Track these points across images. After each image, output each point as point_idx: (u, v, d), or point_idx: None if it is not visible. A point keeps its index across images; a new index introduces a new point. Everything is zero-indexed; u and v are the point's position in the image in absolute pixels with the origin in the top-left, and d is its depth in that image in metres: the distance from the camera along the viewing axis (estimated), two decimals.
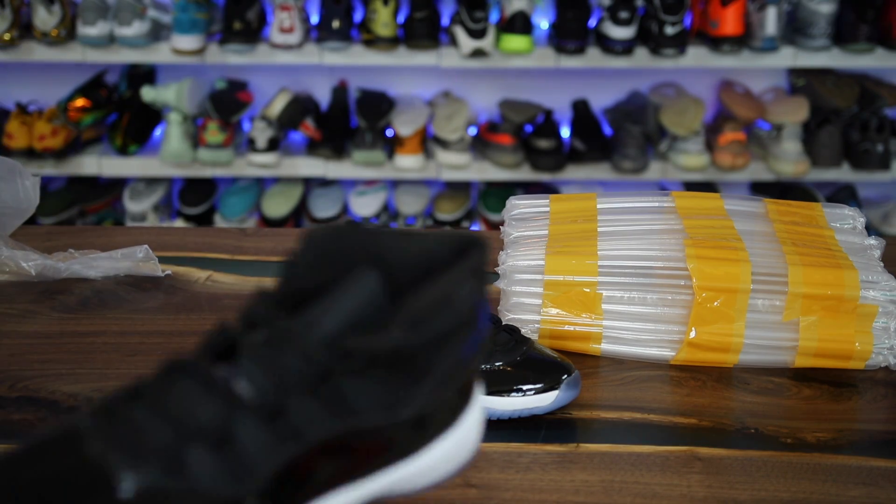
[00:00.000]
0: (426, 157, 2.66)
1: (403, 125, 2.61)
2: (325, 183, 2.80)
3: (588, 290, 1.04)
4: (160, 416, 0.43)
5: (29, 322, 1.11)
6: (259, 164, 2.62)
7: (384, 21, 2.53)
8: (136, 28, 2.52)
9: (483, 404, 0.91)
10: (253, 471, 0.43)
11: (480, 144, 2.68)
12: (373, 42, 2.55)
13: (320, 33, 2.58)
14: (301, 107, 2.67)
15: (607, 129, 2.71)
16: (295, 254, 0.49)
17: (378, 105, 2.67)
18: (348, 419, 0.48)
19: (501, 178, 2.67)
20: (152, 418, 0.43)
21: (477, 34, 2.50)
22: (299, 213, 2.78)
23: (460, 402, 0.61)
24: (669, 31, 2.52)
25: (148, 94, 2.60)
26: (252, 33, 2.56)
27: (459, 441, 0.62)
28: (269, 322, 0.47)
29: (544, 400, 0.91)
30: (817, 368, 1.02)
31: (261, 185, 2.81)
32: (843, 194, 2.77)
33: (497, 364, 0.92)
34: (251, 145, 2.64)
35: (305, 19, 2.60)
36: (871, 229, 1.12)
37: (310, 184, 2.81)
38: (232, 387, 0.44)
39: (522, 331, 1.00)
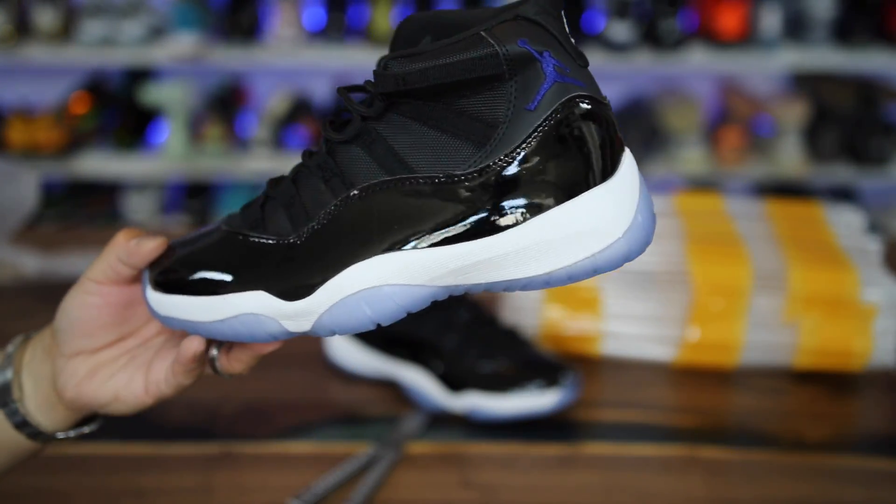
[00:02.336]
0: None
1: None
2: None
3: (588, 291, 1.04)
4: (264, 194, 0.57)
5: (29, 322, 1.11)
6: (259, 164, 2.62)
7: (384, 21, 2.53)
8: (136, 28, 2.52)
9: (483, 404, 0.92)
10: (309, 217, 0.53)
11: None
12: (373, 42, 2.55)
13: (320, 33, 2.59)
14: (301, 107, 2.67)
15: None
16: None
17: None
18: (396, 169, 0.51)
19: None
20: (260, 196, 0.57)
21: None
22: None
23: (589, 163, 0.50)
24: (670, 31, 2.52)
25: (147, 94, 2.60)
26: (252, 33, 2.56)
27: (583, 214, 0.50)
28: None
29: (544, 401, 0.91)
30: (817, 368, 1.02)
31: (260, 185, 2.81)
32: (843, 194, 2.77)
33: (497, 364, 0.93)
34: (251, 145, 2.64)
35: (305, 19, 2.60)
36: (871, 229, 1.12)
37: None
38: (307, 158, 0.55)
39: (522, 331, 1.00)
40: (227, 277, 0.55)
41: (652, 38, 2.55)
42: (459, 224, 0.51)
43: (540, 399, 0.91)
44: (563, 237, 0.50)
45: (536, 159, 0.50)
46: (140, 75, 2.75)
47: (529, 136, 0.50)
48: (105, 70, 2.74)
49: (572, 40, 0.51)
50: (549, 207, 0.50)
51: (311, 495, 0.81)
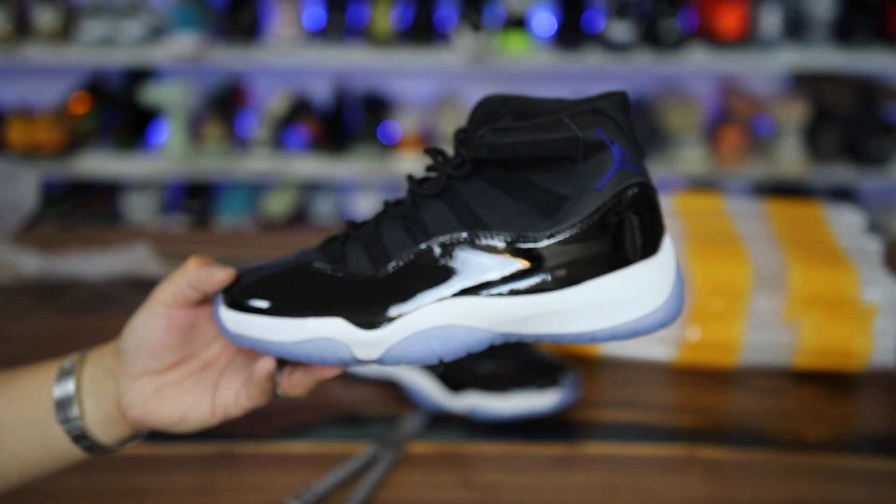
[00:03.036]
0: (426, 157, 2.66)
1: (403, 125, 2.61)
2: (324, 183, 2.80)
3: None
4: (346, 234, 0.64)
5: (29, 322, 1.11)
6: (259, 164, 2.62)
7: (384, 21, 2.53)
8: (135, 28, 2.52)
9: (483, 404, 0.92)
10: (389, 258, 0.60)
11: None
12: (373, 42, 2.55)
13: (320, 33, 2.59)
14: (301, 107, 2.67)
15: None
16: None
17: (378, 105, 2.68)
18: (474, 225, 0.59)
19: None
20: (342, 237, 0.64)
21: (477, 34, 2.50)
22: (299, 212, 2.78)
23: (639, 241, 0.58)
24: (670, 31, 2.52)
25: (147, 94, 2.60)
26: (251, 33, 2.56)
27: (630, 283, 0.58)
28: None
29: (544, 401, 0.91)
30: (817, 368, 1.02)
31: (260, 185, 2.81)
32: (843, 194, 2.77)
33: (497, 365, 0.93)
34: (251, 145, 2.64)
35: (305, 19, 2.60)
36: (871, 229, 1.12)
37: (309, 184, 2.81)
38: (392, 206, 0.63)
39: None
40: (307, 303, 0.60)
41: (652, 38, 2.55)
42: (527, 280, 0.58)
43: (540, 399, 0.91)
44: (611, 301, 0.58)
45: (597, 231, 0.58)
46: (140, 75, 2.75)
47: (595, 212, 0.58)
48: (105, 70, 2.74)
49: (636, 135, 0.60)
50: (603, 273, 0.58)
51: (311, 495, 0.81)
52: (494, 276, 0.58)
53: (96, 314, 1.13)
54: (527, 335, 0.59)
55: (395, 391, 0.97)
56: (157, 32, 2.60)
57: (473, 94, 2.75)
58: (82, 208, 2.73)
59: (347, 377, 1.00)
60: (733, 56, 2.56)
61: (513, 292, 0.58)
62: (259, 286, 0.62)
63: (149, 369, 0.63)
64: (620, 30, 2.52)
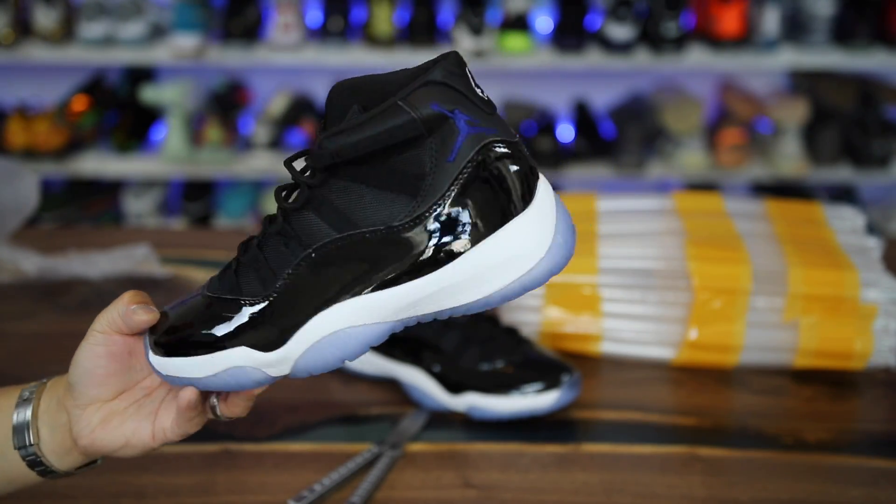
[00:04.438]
0: None
1: None
2: None
3: (588, 291, 1.04)
4: (236, 259, 0.64)
5: (29, 322, 1.11)
6: (259, 164, 2.62)
7: (384, 21, 2.53)
8: (136, 28, 2.52)
9: (483, 403, 0.92)
10: (276, 277, 0.61)
11: None
12: (373, 42, 2.55)
13: (320, 33, 2.59)
14: (301, 107, 2.67)
15: (607, 129, 2.71)
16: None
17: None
18: (344, 227, 0.59)
19: None
20: (232, 262, 0.64)
21: (477, 34, 2.50)
22: None
23: (506, 199, 0.59)
24: (670, 31, 2.52)
25: (147, 94, 2.60)
26: (252, 33, 2.56)
27: (508, 243, 0.58)
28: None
29: (544, 400, 0.91)
30: (817, 368, 1.02)
31: (260, 185, 2.81)
32: (843, 194, 2.77)
33: (497, 364, 0.93)
34: (251, 145, 2.64)
35: (305, 19, 2.60)
36: (871, 229, 1.12)
37: None
38: (268, 224, 0.63)
39: (522, 331, 1.00)
40: (213, 337, 0.62)
41: (651, 37, 2.55)
42: (403, 266, 0.59)
43: (540, 399, 0.91)
44: (493, 265, 0.59)
45: (461, 201, 0.58)
46: (140, 75, 2.74)
47: (452, 183, 0.58)
48: (105, 70, 2.74)
49: (479, 92, 0.59)
50: (478, 241, 0.58)
51: (312, 495, 0.81)
52: (374, 271, 0.59)
53: (96, 314, 1.13)
54: (422, 315, 0.60)
55: (395, 391, 0.97)
56: (157, 32, 2.60)
57: None
58: (82, 208, 2.73)
59: (347, 377, 1.00)
60: (733, 56, 2.56)
61: (395, 281, 0.59)
62: (171, 328, 0.64)
63: (95, 399, 0.65)
64: (620, 29, 2.52)
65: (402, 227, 0.58)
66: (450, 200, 0.58)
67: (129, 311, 0.64)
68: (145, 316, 0.64)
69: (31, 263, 1.18)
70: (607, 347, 1.04)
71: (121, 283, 1.19)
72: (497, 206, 0.58)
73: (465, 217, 0.58)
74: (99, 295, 1.17)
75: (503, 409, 0.91)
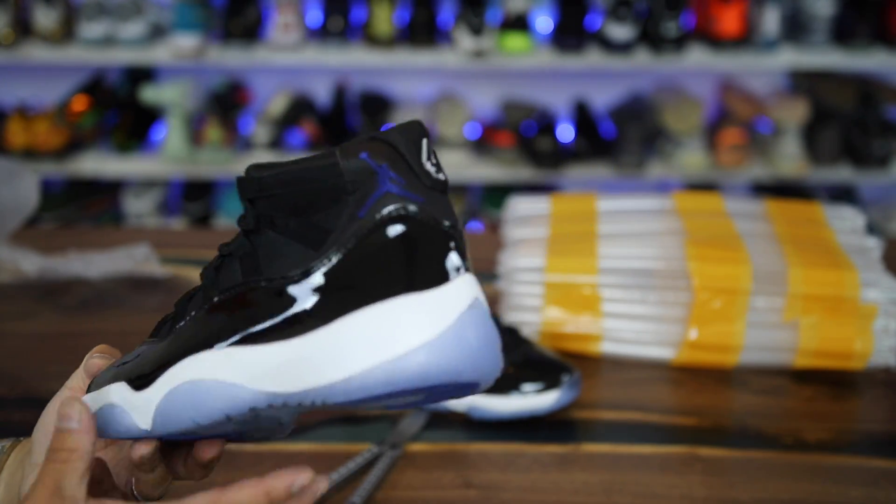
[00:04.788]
0: None
1: None
2: None
3: (588, 291, 1.04)
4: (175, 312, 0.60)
5: (29, 322, 1.11)
6: None
7: (384, 21, 2.53)
8: (136, 28, 2.52)
9: (483, 403, 0.92)
10: (183, 318, 0.58)
11: (480, 144, 2.68)
12: (373, 42, 2.55)
13: (320, 33, 2.59)
14: (301, 107, 2.67)
15: (607, 129, 2.71)
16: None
17: (378, 105, 2.68)
18: (250, 275, 0.55)
19: (501, 178, 2.67)
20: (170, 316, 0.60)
21: (477, 34, 2.50)
22: None
23: (403, 272, 0.51)
24: (670, 31, 2.52)
25: (148, 94, 2.60)
26: (252, 33, 2.56)
27: (385, 319, 0.50)
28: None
29: (544, 400, 0.91)
30: (817, 368, 1.02)
31: None
32: (843, 194, 2.77)
33: None
34: (251, 145, 2.64)
35: (305, 19, 2.60)
36: (871, 229, 1.12)
37: None
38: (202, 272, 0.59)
39: (522, 331, 1.00)
40: (111, 371, 0.60)
41: (651, 37, 2.55)
42: (276, 322, 0.53)
43: (540, 399, 0.91)
44: (360, 339, 0.50)
45: (352, 262, 0.52)
46: (140, 75, 2.75)
47: (350, 240, 0.52)
48: (105, 70, 2.74)
49: (429, 165, 0.53)
50: (354, 309, 0.51)
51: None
52: (251, 323, 0.54)
53: (96, 314, 1.13)
54: (289, 395, 0.52)
55: None
56: (157, 32, 2.60)
57: (473, 94, 2.76)
58: (82, 208, 2.73)
59: None
60: (733, 56, 2.56)
61: (263, 338, 0.53)
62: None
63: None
64: (620, 29, 2.52)
65: (291, 280, 0.53)
66: (340, 258, 0.52)
67: (88, 358, 0.61)
68: (100, 361, 0.61)
69: (31, 263, 1.18)
70: (607, 347, 1.04)
71: (121, 283, 1.19)
72: (387, 276, 0.51)
73: (349, 279, 0.51)
74: (99, 295, 1.17)
75: (503, 409, 0.92)
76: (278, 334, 0.53)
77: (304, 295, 0.52)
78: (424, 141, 0.54)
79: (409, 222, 0.51)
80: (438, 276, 0.51)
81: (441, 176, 0.54)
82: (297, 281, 0.53)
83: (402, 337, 0.49)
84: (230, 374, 0.53)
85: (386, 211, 0.51)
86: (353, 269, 0.52)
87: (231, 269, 0.57)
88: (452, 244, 0.52)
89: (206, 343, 0.55)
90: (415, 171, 0.53)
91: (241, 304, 0.55)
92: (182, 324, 0.57)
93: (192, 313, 0.57)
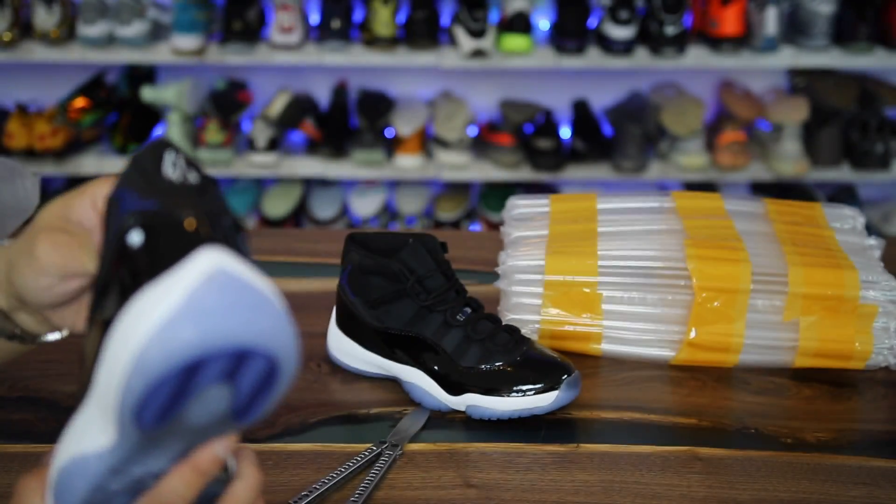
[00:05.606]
0: (426, 157, 2.66)
1: (403, 125, 2.61)
2: (324, 183, 2.80)
3: (588, 290, 1.04)
4: None
5: None
6: (259, 164, 2.62)
7: (384, 21, 2.53)
8: (136, 28, 2.52)
9: (483, 403, 0.92)
10: None
11: (480, 144, 2.68)
12: (373, 42, 2.55)
13: (320, 33, 2.58)
14: (301, 107, 2.67)
15: (607, 129, 2.71)
16: None
17: (378, 105, 2.67)
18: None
19: (501, 178, 2.67)
20: None
21: (477, 34, 2.50)
22: (299, 213, 2.78)
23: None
24: (669, 31, 2.52)
25: (148, 94, 2.60)
26: (252, 33, 2.56)
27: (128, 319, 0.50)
28: None
29: (544, 400, 0.91)
30: (817, 368, 1.02)
31: (260, 185, 2.81)
32: (843, 194, 2.77)
33: (497, 364, 0.92)
34: (251, 145, 2.64)
35: (305, 19, 2.60)
36: (871, 229, 1.12)
37: (310, 184, 2.81)
38: None
39: (522, 331, 1.00)
40: None
41: (651, 37, 2.55)
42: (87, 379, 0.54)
43: (539, 399, 0.91)
44: (117, 342, 0.50)
45: (106, 287, 0.54)
46: (140, 75, 2.74)
47: (101, 267, 0.56)
48: (105, 70, 2.74)
49: (171, 171, 0.56)
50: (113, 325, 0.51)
51: (312, 495, 0.81)
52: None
53: None
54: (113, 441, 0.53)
55: (395, 391, 0.97)
56: (157, 32, 2.59)
57: (473, 94, 2.76)
58: None
59: (348, 377, 1.00)
60: (733, 56, 2.56)
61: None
62: None
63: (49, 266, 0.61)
64: (620, 29, 2.52)
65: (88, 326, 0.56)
66: (99, 289, 0.55)
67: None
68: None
69: None
70: (607, 347, 1.04)
71: None
72: (136, 277, 0.52)
73: (108, 302, 0.54)
74: None
75: (503, 409, 0.91)
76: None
77: (92, 333, 0.55)
78: (167, 152, 0.57)
79: (144, 224, 0.53)
80: (173, 261, 0.51)
81: (191, 179, 0.57)
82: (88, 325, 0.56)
83: (147, 320, 0.49)
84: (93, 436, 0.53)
85: (114, 231, 0.55)
86: (109, 286, 0.54)
87: None
88: (191, 229, 0.53)
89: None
90: (154, 184, 0.55)
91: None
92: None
93: None
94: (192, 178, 0.56)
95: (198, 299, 0.49)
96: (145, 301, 0.50)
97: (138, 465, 0.53)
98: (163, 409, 0.50)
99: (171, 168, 0.56)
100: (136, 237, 0.53)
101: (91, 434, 0.53)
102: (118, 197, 0.55)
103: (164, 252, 0.52)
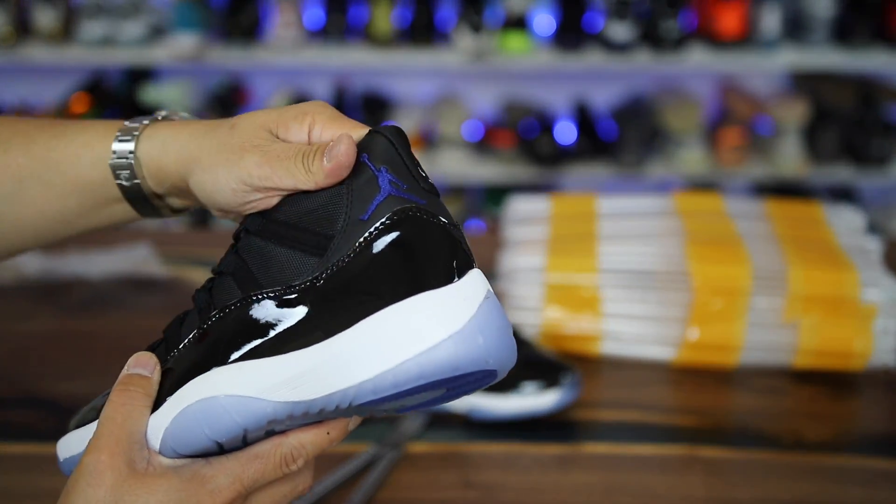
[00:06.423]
0: (426, 157, 2.66)
1: (403, 125, 2.61)
2: None
3: (588, 291, 1.04)
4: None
5: (29, 322, 1.11)
6: None
7: (384, 21, 2.53)
8: (135, 28, 2.52)
9: (483, 403, 0.92)
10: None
11: (480, 144, 2.68)
12: (373, 42, 2.55)
13: (320, 33, 2.59)
14: None
15: (607, 129, 2.71)
16: None
17: (378, 105, 2.68)
18: (248, 287, 0.54)
19: (501, 178, 2.67)
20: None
21: (477, 34, 2.50)
22: None
23: (416, 271, 0.52)
24: (670, 31, 2.52)
25: (148, 94, 2.60)
26: (251, 33, 2.57)
27: (408, 317, 0.51)
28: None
29: (544, 400, 0.91)
30: (817, 369, 1.02)
31: None
32: (843, 194, 2.77)
33: None
34: None
35: (305, 19, 2.60)
36: (871, 229, 1.12)
37: None
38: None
39: (523, 331, 1.00)
40: None
41: (652, 37, 2.55)
42: (289, 332, 0.52)
43: (540, 399, 0.91)
44: (386, 339, 0.51)
45: (363, 266, 0.52)
46: (140, 75, 2.75)
47: (358, 244, 0.52)
48: (105, 70, 2.74)
49: (421, 170, 0.54)
50: (373, 311, 0.51)
51: (312, 495, 0.81)
52: (262, 335, 0.53)
53: (96, 314, 1.13)
54: (308, 402, 0.52)
55: None
56: (157, 32, 2.60)
57: (473, 94, 2.76)
58: None
59: None
60: (733, 56, 2.56)
61: (277, 349, 0.52)
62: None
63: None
64: (620, 29, 2.52)
65: (298, 289, 0.53)
66: (346, 262, 0.52)
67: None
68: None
69: (31, 263, 1.18)
70: (607, 347, 1.04)
71: (121, 283, 1.19)
72: (403, 275, 0.52)
73: (363, 283, 0.52)
74: (99, 295, 1.17)
75: (503, 410, 0.92)
76: (290, 343, 0.52)
77: (315, 302, 0.52)
78: (407, 147, 0.55)
79: (415, 223, 0.52)
80: (450, 273, 0.52)
81: (430, 182, 0.55)
82: (303, 289, 0.53)
83: (429, 331, 0.50)
84: (245, 387, 0.52)
85: (390, 212, 0.52)
86: (363, 274, 0.52)
87: (225, 287, 0.56)
88: (459, 241, 0.53)
89: (213, 360, 0.54)
90: (413, 176, 0.53)
91: (245, 317, 0.54)
92: (181, 346, 0.56)
93: (192, 335, 0.56)
94: (429, 181, 0.55)
95: (478, 318, 0.51)
96: (422, 307, 0.51)
97: (296, 420, 0.53)
98: (372, 404, 0.51)
99: (418, 163, 0.55)
100: (405, 230, 0.52)
101: (261, 382, 0.52)
102: (378, 171, 0.53)
103: (429, 254, 0.52)
